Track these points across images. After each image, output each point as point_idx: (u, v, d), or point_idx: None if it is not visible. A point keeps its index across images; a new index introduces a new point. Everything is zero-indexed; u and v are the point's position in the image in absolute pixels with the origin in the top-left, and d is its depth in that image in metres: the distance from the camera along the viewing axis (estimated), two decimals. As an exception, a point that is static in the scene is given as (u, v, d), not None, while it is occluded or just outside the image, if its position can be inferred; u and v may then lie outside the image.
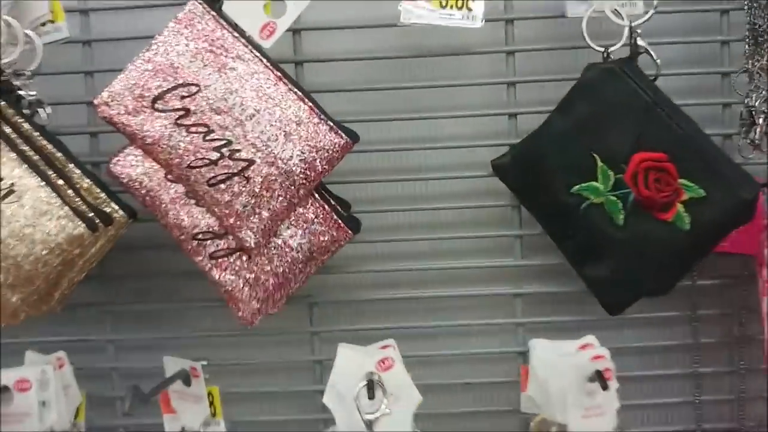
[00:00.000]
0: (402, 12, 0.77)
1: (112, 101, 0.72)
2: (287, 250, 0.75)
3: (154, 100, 0.72)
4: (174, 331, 0.89)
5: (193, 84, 0.70)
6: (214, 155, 0.70)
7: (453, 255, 0.89)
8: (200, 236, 0.74)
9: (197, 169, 0.71)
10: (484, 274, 0.88)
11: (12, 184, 0.70)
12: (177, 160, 0.71)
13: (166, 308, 0.89)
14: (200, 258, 0.74)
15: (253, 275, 0.74)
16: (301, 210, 0.75)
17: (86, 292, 0.85)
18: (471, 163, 0.86)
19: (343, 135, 0.72)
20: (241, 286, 0.75)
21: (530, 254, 0.86)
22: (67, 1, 0.80)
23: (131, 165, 0.74)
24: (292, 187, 0.71)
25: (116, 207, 0.75)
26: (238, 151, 0.70)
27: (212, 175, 0.71)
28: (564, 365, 0.76)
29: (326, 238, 0.76)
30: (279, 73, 0.72)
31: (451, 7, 0.78)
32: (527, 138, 0.78)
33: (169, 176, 0.73)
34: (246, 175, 0.70)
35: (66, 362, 0.82)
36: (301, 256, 0.75)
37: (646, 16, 0.74)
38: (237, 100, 0.70)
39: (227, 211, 0.72)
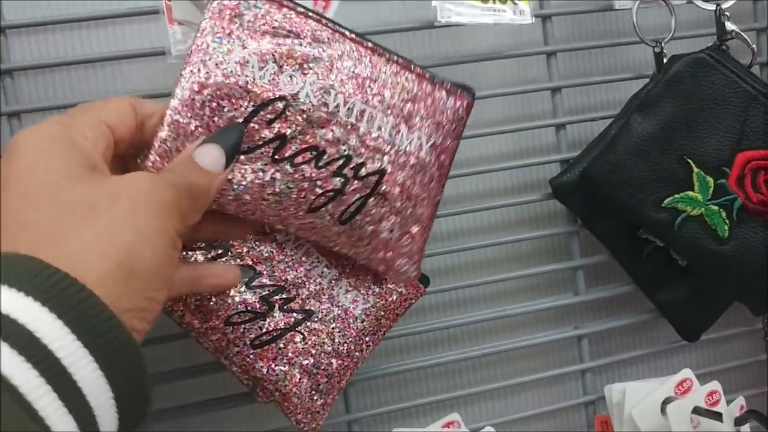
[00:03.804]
0: (438, 10, 0.63)
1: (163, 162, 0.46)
2: (350, 320, 0.57)
3: None
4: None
5: (277, 99, 0.48)
6: (338, 181, 0.49)
7: (497, 299, 0.74)
8: (236, 318, 0.54)
9: (323, 209, 0.50)
10: (541, 316, 0.75)
11: None
12: (292, 207, 0.49)
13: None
14: (237, 349, 0.54)
15: (311, 360, 0.55)
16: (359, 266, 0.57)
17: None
18: (509, 187, 0.73)
19: (464, 94, 0.53)
20: (298, 377, 0.55)
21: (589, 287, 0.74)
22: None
23: None
24: (431, 183, 0.52)
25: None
26: (362, 165, 0.49)
27: (344, 208, 0.50)
28: (678, 411, 0.65)
29: (394, 298, 0.58)
30: (369, 44, 0.51)
31: (494, 1, 0.65)
32: (597, 150, 0.66)
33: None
34: (381, 192, 0.50)
35: None
36: (367, 326, 0.57)
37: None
38: (339, 100, 0.49)
39: (372, 247, 0.52)
